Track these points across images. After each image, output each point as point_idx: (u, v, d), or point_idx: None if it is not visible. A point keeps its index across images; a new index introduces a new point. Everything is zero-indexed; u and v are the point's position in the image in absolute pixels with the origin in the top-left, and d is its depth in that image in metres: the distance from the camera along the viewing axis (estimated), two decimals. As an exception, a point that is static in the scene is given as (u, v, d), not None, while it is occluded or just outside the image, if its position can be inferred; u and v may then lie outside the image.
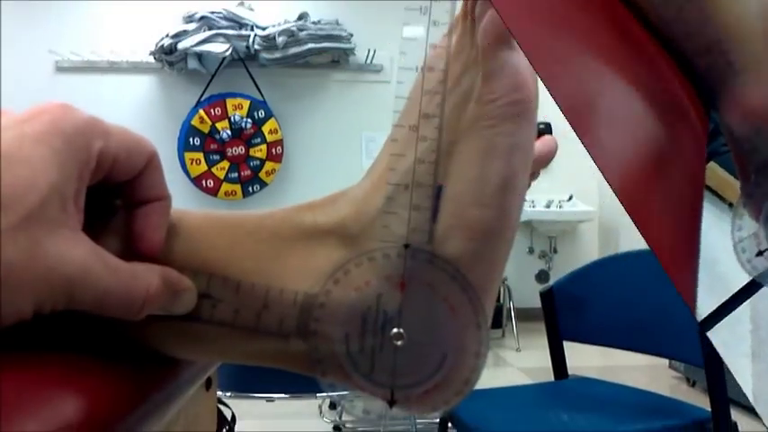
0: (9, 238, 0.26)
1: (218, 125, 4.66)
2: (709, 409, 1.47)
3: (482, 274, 0.33)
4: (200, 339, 0.34)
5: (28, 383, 0.27)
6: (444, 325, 0.33)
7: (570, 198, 4.98)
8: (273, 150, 4.78)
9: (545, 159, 0.46)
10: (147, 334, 0.33)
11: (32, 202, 0.27)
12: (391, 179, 0.34)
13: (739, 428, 1.55)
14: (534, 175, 0.45)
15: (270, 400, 1.85)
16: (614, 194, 0.29)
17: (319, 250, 0.34)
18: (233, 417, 0.72)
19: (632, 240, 4.92)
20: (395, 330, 0.32)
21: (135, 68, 4.87)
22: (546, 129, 4.76)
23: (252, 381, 1.78)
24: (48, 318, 0.28)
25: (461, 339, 0.33)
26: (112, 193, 0.33)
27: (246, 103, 4.71)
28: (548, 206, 4.89)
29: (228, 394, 1.77)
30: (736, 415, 1.50)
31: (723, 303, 0.41)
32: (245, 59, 4.68)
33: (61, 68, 4.82)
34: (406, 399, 0.33)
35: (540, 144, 0.45)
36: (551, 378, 1.84)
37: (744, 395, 0.45)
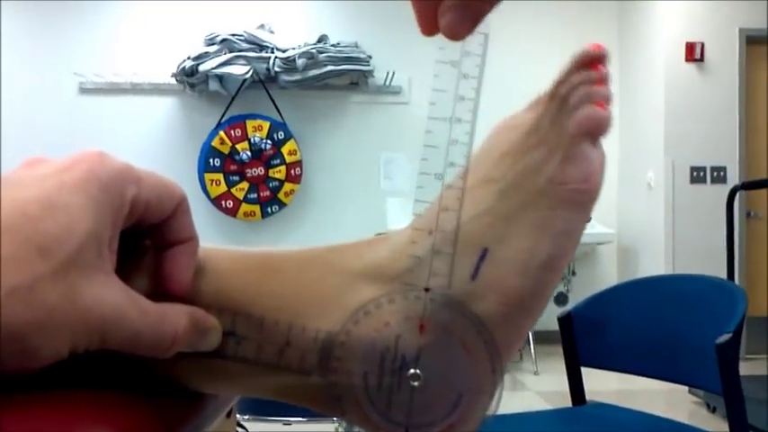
0: (49, 283, 0.27)
1: (238, 146, 4.71)
2: (729, 437, 1.45)
3: (507, 334, 0.34)
4: (225, 375, 0.35)
5: (62, 419, 0.28)
6: (460, 367, 0.34)
7: (589, 220, 4.95)
8: (292, 171, 4.81)
9: None
10: (174, 370, 0.35)
11: (71, 248, 0.28)
12: (418, 225, 0.35)
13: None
14: None
15: (287, 423, 1.86)
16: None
17: (346, 290, 0.35)
18: (251, 440, 0.73)
19: (651, 262, 4.87)
20: (412, 371, 0.33)
21: (157, 90, 4.94)
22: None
23: (270, 404, 1.79)
24: (82, 356, 0.30)
25: (476, 381, 0.34)
26: (143, 233, 0.35)
27: (266, 125, 4.75)
28: (566, 228, 4.86)
29: (246, 417, 1.78)
30: (755, 443, 1.49)
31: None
32: (265, 81, 4.73)
33: (85, 90, 4.90)
34: None
35: None
36: (569, 402, 1.83)
37: (765, 422, 0.44)
